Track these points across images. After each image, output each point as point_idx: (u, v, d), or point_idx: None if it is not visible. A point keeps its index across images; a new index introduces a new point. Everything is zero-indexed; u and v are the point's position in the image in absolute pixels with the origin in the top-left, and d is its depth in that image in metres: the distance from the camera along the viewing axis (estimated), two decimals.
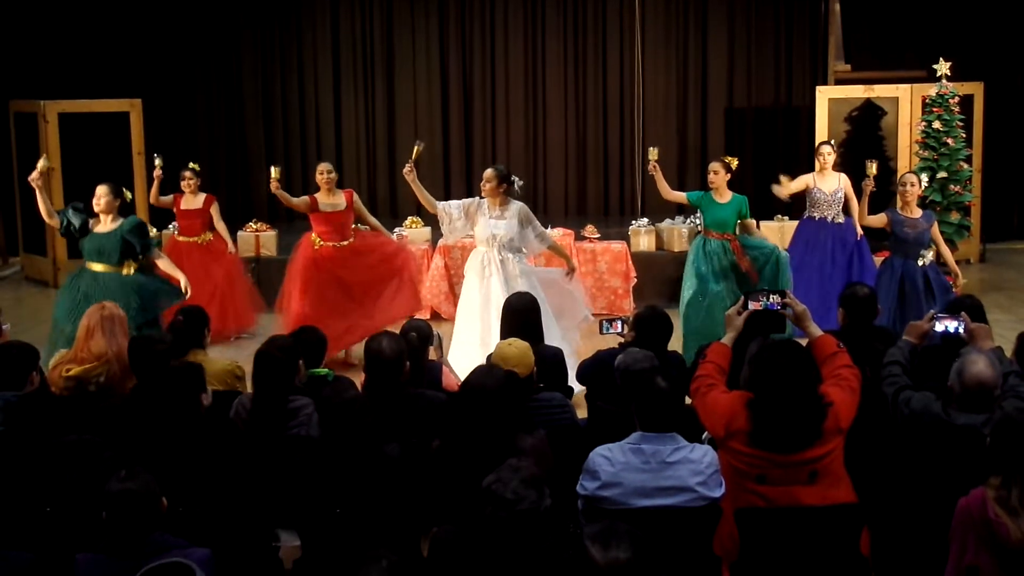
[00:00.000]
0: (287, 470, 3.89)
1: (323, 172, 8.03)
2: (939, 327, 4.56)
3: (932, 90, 10.72)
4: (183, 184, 8.92)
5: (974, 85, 11.45)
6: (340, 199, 8.03)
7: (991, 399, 3.97)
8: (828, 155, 8.53)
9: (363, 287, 8.01)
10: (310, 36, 13.14)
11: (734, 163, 7.67)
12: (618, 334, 5.37)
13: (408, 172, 7.02)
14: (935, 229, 7.56)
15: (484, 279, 6.89)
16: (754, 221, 7.75)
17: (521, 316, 5.41)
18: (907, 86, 11.23)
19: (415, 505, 3.75)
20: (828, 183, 8.51)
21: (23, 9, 12.21)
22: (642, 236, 10.27)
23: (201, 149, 12.75)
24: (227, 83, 13.17)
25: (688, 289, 7.57)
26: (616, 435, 3.82)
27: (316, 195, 8.02)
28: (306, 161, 13.08)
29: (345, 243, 8.04)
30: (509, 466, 3.08)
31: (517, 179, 7.09)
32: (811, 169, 8.75)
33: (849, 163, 9.94)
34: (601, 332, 5.42)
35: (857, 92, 11.34)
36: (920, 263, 7.41)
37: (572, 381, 5.68)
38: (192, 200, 8.95)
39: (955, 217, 10.52)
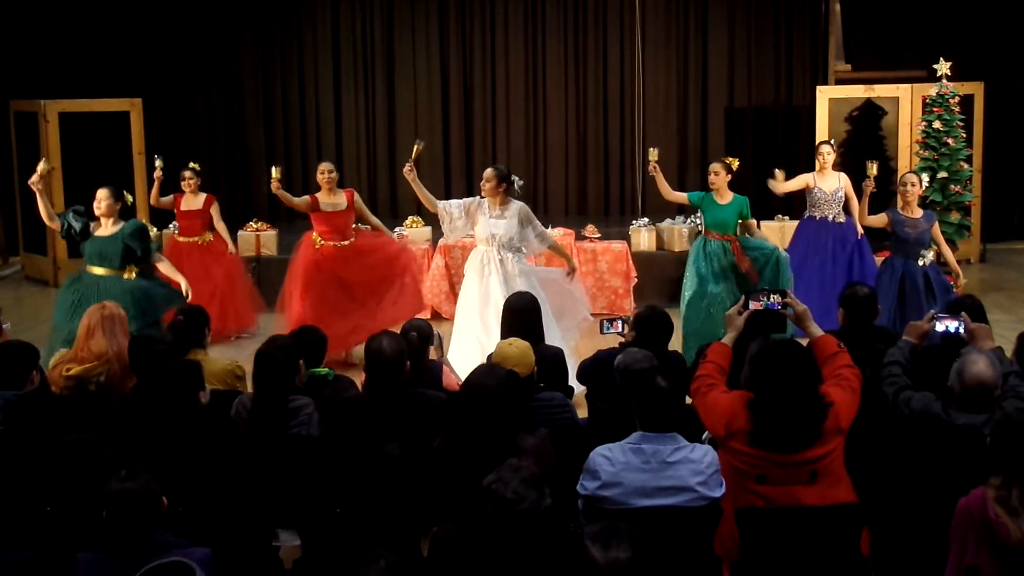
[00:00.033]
0: (287, 470, 3.89)
1: (324, 172, 8.04)
2: (939, 327, 4.56)
3: (932, 90, 10.72)
4: (183, 184, 8.92)
5: (974, 85, 11.45)
6: (341, 199, 8.03)
7: (991, 399, 3.97)
8: (828, 155, 8.53)
9: (364, 287, 8.01)
10: (310, 36, 13.14)
11: (735, 164, 7.66)
12: (618, 334, 5.37)
13: (408, 171, 7.02)
14: (936, 229, 7.56)
15: (483, 278, 6.90)
16: (755, 221, 7.75)
17: (521, 316, 5.41)
18: (907, 86, 11.23)
19: (415, 505, 3.75)
20: (828, 182, 8.51)
21: (23, 9, 12.21)
22: (643, 236, 10.27)
23: (201, 149, 12.76)
24: (227, 83, 13.17)
25: (688, 289, 7.58)
26: (616, 435, 3.82)
27: (317, 195, 8.02)
28: (306, 161, 13.09)
29: (346, 243, 8.04)
30: (509, 466, 3.09)
31: (517, 179, 7.09)
32: (811, 169, 8.74)
33: (849, 163, 9.93)
34: (601, 332, 5.42)
35: (857, 92, 11.34)
36: (920, 263, 7.41)
37: (572, 381, 5.68)
38: (192, 200, 8.94)
39: (955, 217, 10.52)
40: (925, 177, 8.51)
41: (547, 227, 9.89)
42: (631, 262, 9.89)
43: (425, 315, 8.64)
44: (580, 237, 10.06)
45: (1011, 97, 12.66)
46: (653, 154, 7.81)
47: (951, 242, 9.49)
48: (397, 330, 5.02)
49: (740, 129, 13.14)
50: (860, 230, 8.38)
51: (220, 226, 8.97)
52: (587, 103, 13.26)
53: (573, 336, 7.07)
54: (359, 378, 4.71)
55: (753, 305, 4.25)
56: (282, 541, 4.09)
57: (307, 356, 4.81)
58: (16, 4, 12.15)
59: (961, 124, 10.59)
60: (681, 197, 7.89)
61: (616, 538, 2.78)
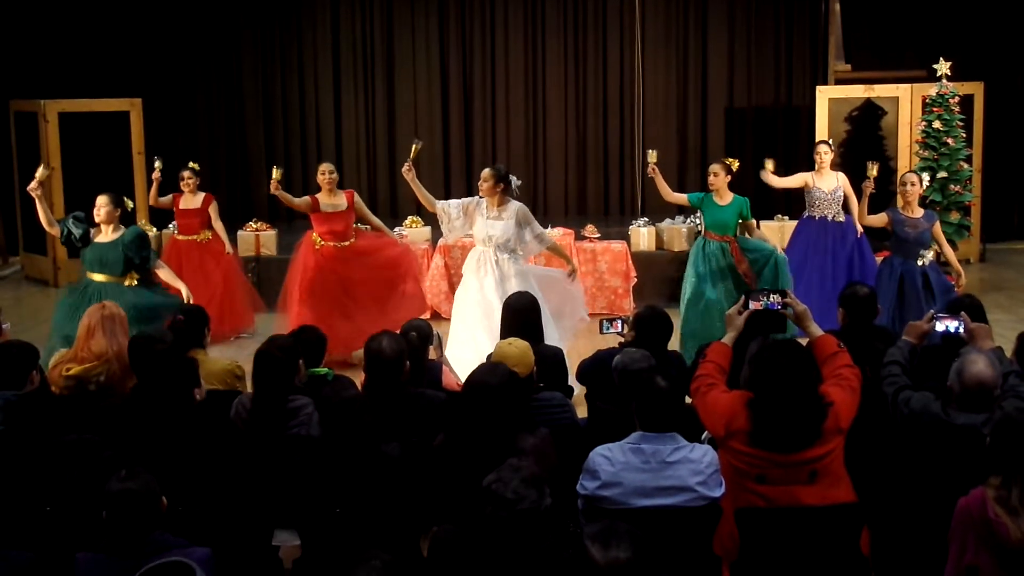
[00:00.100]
0: (287, 470, 3.89)
1: (324, 172, 8.04)
2: (939, 327, 4.56)
3: (932, 90, 10.72)
4: (182, 184, 8.92)
5: (974, 85, 11.45)
6: (341, 199, 8.03)
7: (991, 399, 3.97)
8: (825, 154, 8.53)
9: (365, 287, 8.01)
10: (310, 36, 13.14)
11: (735, 164, 7.67)
12: (618, 334, 5.37)
13: (407, 171, 7.02)
14: (937, 228, 7.56)
15: (479, 279, 6.91)
16: (755, 222, 7.76)
17: (521, 316, 5.41)
18: (907, 86, 11.23)
19: (415, 505, 3.75)
20: (827, 182, 8.52)
21: (23, 9, 12.21)
22: (642, 236, 10.28)
23: (201, 148, 12.76)
24: (227, 83, 13.17)
25: (687, 290, 7.60)
26: (616, 435, 3.82)
27: (317, 195, 8.02)
28: (306, 161, 13.09)
29: (346, 243, 8.04)
30: (510, 466, 3.09)
31: (515, 179, 7.08)
32: (811, 168, 8.74)
33: (849, 163, 9.94)
34: (601, 332, 5.42)
35: (857, 92, 11.34)
36: (920, 263, 7.41)
37: (571, 380, 5.68)
38: (191, 199, 8.95)
39: (955, 217, 10.52)
40: (925, 177, 8.50)
41: (547, 227, 9.94)
42: (631, 262, 9.89)
43: (425, 315, 8.64)
44: (580, 237, 10.06)
45: (1011, 97, 12.66)
46: (652, 156, 7.81)
47: (951, 242, 9.49)
48: (397, 330, 5.02)
49: (740, 129, 13.15)
50: (860, 229, 8.38)
51: (218, 225, 8.97)
52: (587, 103, 13.26)
53: (568, 337, 7.06)
54: (359, 378, 4.71)
55: (753, 305, 4.25)
56: (282, 541, 4.09)
57: (307, 356, 4.81)
58: (16, 4, 12.15)
59: (961, 124, 10.59)
60: (681, 198, 7.89)
61: (616, 538, 2.78)
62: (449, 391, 4.98)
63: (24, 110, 11.41)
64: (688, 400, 4.05)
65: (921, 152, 10.67)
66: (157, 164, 9.01)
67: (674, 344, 5.92)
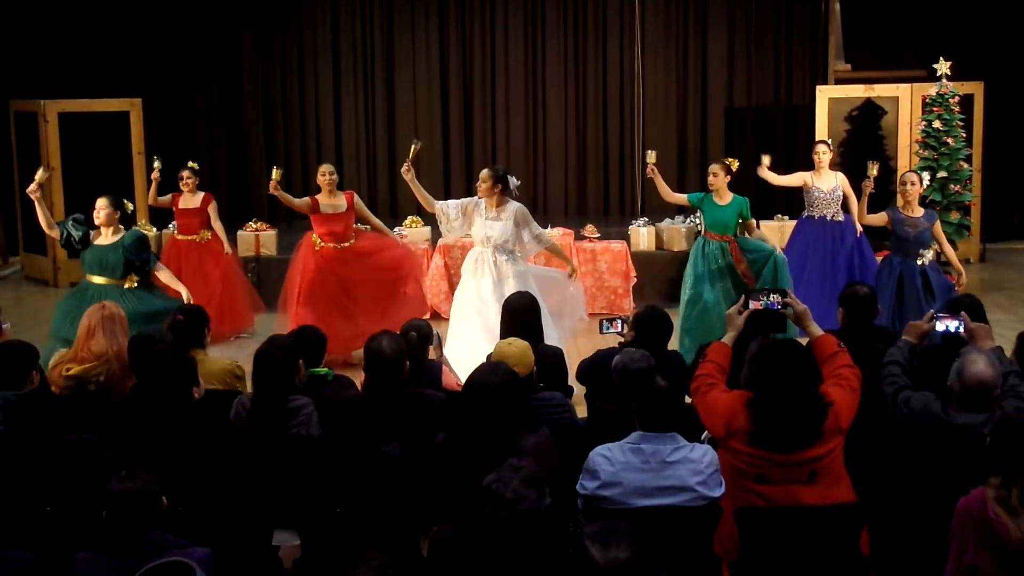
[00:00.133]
0: (287, 470, 3.89)
1: (325, 174, 8.03)
2: (940, 327, 4.56)
3: (932, 90, 10.73)
4: (181, 183, 8.92)
5: (974, 85, 11.45)
6: (341, 201, 8.02)
7: (991, 399, 3.97)
8: (824, 154, 8.53)
9: (365, 288, 8.00)
10: (310, 36, 13.14)
11: (734, 165, 7.67)
12: (618, 333, 5.37)
13: (406, 172, 7.03)
14: (937, 227, 7.56)
15: (477, 279, 6.92)
16: (755, 222, 7.76)
17: (521, 316, 5.41)
18: (907, 86, 11.23)
19: (415, 505, 3.75)
20: (826, 182, 8.52)
21: (23, 9, 12.21)
22: (642, 235, 10.28)
23: (201, 148, 12.76)
24: (227, 83, 13.17)
25: (686, 290, 7.63)
26: (616, 435, 3.82)
27: (317, 196, 8.02)
28: (306, 161, 13.10)
29: (346, 244, 8.04)
30: (510, 465, 3.08)
31: (513, 179, 7.06)
32: (810, 168, 8.74)
33: (850, 163, 9.94)
34: (601, 331, 5.41)
35: (857, 92, 11.34)
36: (919, 262, 7.41)
37: (571, 380, 5.68)
38: (190, 199, 8.94)
39: (955, 217, 10.53)
40: (926, 176, 8.50)
41: (546, 227, 9.94)
42: (630, 262, 9.89)
43: (425, 315, 8.64)
44: (579, 237, 10.06)
45: (1011, 97, 12.66)
46: (651, 156, 7.81)
47: (951, 242, 9.49)
48: (397, 331, 5.02)
49: (740, 129, 13.15)
50: (859, 229, 8.38)
51: (217, 225, 8.96)
52: (587, 103, 13.26)
53: (567, 337, 7.06)
54: (359, 378, 4.71)
55: (753, 305, 4.25)
56: (282, 541, 4.09)
57: (307, 356, 4.81)
58: (16, 4, 12.15)
59: (961, 124, 10.60)
60: (681, 198, 7.90)
61: (616, 538, 2.77)
62: (449, 391, 4.98)
63: (24, 110, 11.41)
64: (688, 400, 4.05)
65: (921, 152, 10.68)
66: (156, 164, 9.01)
67: (673, 343, 5.92)
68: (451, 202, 7.11)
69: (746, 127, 13.12)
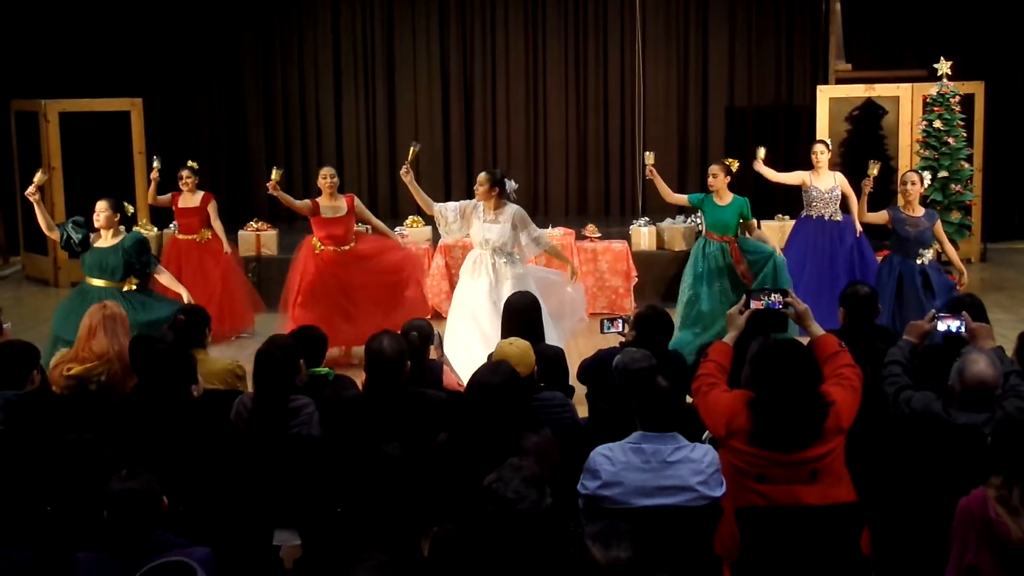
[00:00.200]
0: (288, 469, 3.89)
1: (326, 177, 8.02)
2: (941, 326, 4.56)
3: (933, 89, 10.73)
4: (181, 183, 8.91)
5: (975, 84, 11.45)
6: (341, 204, 8.01)
7: (992, 398, 3.97)
8: (822, 153, 8.53)
9: (366, 291, 7.98)
10: (311, 35, 13.14)
11: (734, 165, 7.68)
12: (619, 333, 5.37)
13: (405, 174, 7.04)
14: (938, 227, 7.57)
15: (474, 281, 6.94)
16: (755, 222, 7.77)
17: (522, 315, 5.41)
18: (908, 85, 11.23)
19: (415, 504, 3.75)
20: (824, 181, 8.53)
21: (24, 9, 12.21)
22: (643, 235, 10.28)
23: (202, 148, 12.77)
24: (228, 82, 13.17)
25: (684, 291, 7.66)
26: (617, 434, 3.82)
27: (318, 199, 8.02)
28: (306, 160, 13.10)
29: (346, 247, 8.03)
30: (510, 465, 3.08)
31: (511, 183, 7.06)
32: (810, 168, 8.74)
33: (850, 162, 9.93)
34: (602, 331, 5.41)
35: (858, 91, 11.34)
36: (919, 262, 7.41)
37: (572, 380, 5.68)
38: (190, 198, 8.94)
39: (956, 216, 10.53)
40: (926, 176, 8.51)
41: (547, 227, 9.96)
42: (631, 262, 9.89)
43: (426, 317, 8.63)
44: (580, 237, 10.06)
45: (1012, 96, 12.65)
46: (649, 157, 7.81)
47: (952, 242, 9.48)
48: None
49: (740, 129, 13.14)
50: (859, 228, 8.38)
51: (217, 225, 8.95)
52: (587, 103, 13.26)
53: (566, 338, 7.07)
54: (359, 377, 4.71)
55: (754, 304, 4.25)
56: (282, 540, 4.09)
57: (307, 356, 4.81)
58: (16, 4, 12.15)
59: (962, 123, 10.60)
60: (681, 199, 7.92)
61: (616, 537, 2.77)
62: (450, 391, 4.99)
63: (25, 110, 11.41)
64: (689, 399, 4.05)
65: (922, 151, 10.68)
66: (156, 164, 9.00)
67: None
68: (449, 204, 7.12)
69: (747, 127, 13.11)
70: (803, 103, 12.80)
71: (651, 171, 7.71)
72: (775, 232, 9.83)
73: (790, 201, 11.21)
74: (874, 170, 7.81)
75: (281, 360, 4.46)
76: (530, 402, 4.44)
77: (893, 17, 12.78)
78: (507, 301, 5.68)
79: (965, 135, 10.63)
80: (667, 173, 8.19)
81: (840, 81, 11.80)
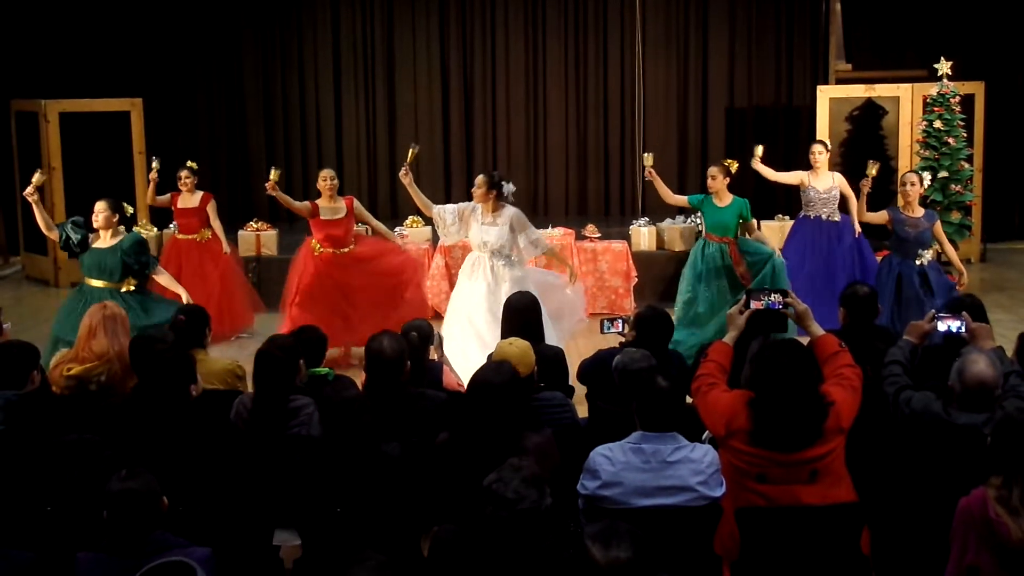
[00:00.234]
0: (288, 469, 3.89)
1: (326, 179, 8.01)
2: (941, 327, 4.56)
3: (933, 89, 10.73)
4: (180, 183, 8.91)
5: (975, 84, 11.45)
6: (341, 206, 8.01)
7: (992, 399, 3.97)
8: (820, 154, 8.54)
9: (365, 293, 7.97)
10: (311, 35, 13.14)
11: (733, 166, 7.69)
12: (619, 333, 5.37)
13: (404, 175, 7.04)
14: (938, 227, 7.57)
15: (471, 284, 6.94)
16: (755, 223, 7.77)
17: (522, 315, 5.41)
18: (908, 85, 11.23)
19: (415, 504, 3.75)
20: (822, 182, 8.53)
21: (24, 8, 12.21)
22: (643, 235, 10.28)
23: (202, 148, 12.77)
24: (228, 82, 13.17)
25: (683, 291, 7.68)
26: (617, 434, 3.82)
27: (317, 201, 8.01)
28: (306, 160, 13.10)
29: (345, 250, 8.02)
30: (510, 465, 3.08)
31: (508, 185, 7.05)
32: (810, 168, 8.74)
33: (850, 163, 9.93)
34: (602, 331, 5.41)
35: (858, 91, 11.34)
36: (918, 263, 7.42)
37: (572, 380, 5.68)
38: (189, 199, 8.93)
39: (956, 217, 10.53)
40: (926, 176, 8.51)
41: (547, 227, 9.96)
42: (631, 262, 9.89)
43: (426, 316, 8.63)
44: (580, 237, 10.06)
45: (1012, 97, 12.65)
46: (648, 159, 7.82)
47: (952, 242, 9.48)
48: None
49: (740, 129, 13.14)
50: (858, 228, 8.38)
51: (216, 225, 8.94)
52: (587, 103, 13.26)
53: (565, 339, 7.07)
54: (359, 378, 4.71)
55: (754, 304, 4.25)
56: (282, 541, 4.09)
57: (308, 356, 4.81)
58: (16, 4, 12.15)
59: (962, 124, 10.60)
60: (681, 200, 7.94)
61: (616, 538, 2.77)
62: (450, 391, 4.99)
63: (25, 110, 11.41)
64: (689, 399, 4.05)
65: (922, 152, 10.67)
66: (155, 164, 8.99)
67: None
68: (448, 207, 7.13)
69: (746, 127, 13.11)
70: (803, 103, 12.80)
71: (650, 172, 7.72)
72: (775, 232, 9.83)
73: (790, 201, 11.20)
74: (872, 170, 7.81)
75: (281, 360, 4.46)
76: (531, 402, 4.44)
77: (893, 17, 12.78)
78: (507, 301, 5.68)
79: (965, 135, 10.63)
80: (667, 173, 8.19)
81: (840, 81, 11.79)
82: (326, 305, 7.83)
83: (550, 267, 8.01)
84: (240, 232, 10.28)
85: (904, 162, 10.94)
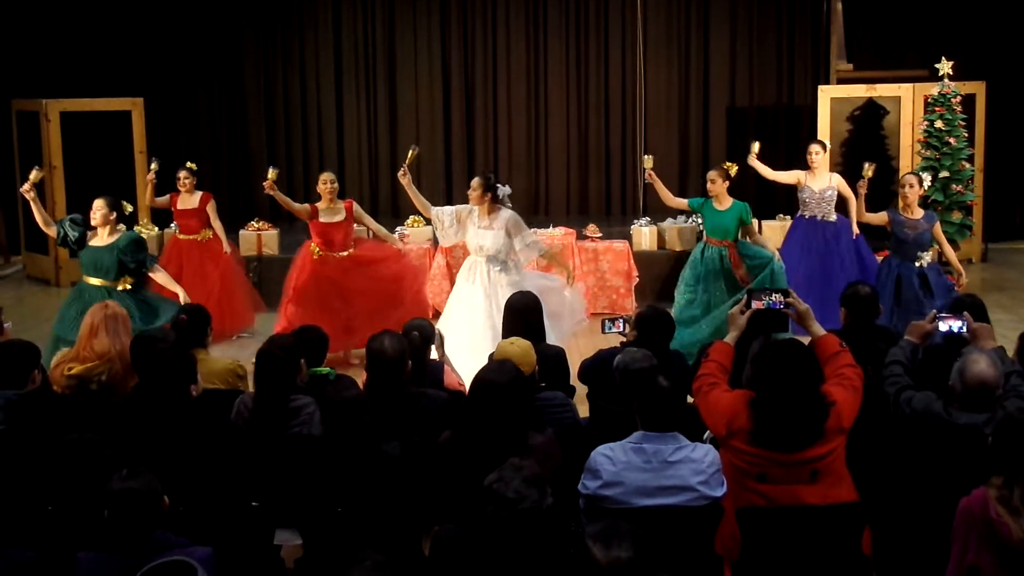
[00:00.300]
0: (289, 469, 3.89)
1: (326, 182, 8.00)
2: (942, 327, 4.56)
3: (934, 89, 10.72)
4: (179, 184, 8.90)
5: (976, 84, 11.44)
6: (340, 209, 8.00)
7: (993, 399, 3.97)
8: (816, 154, 8.55)
9: (365, 297, 7.96)
10: (312, 35, 13.14)
11: (733, 170, 7.70)
12: (620, 333, 5.37)
13: (402, 176, 7.05)
14: (937, 229, 7.57)
15: (468, 287, 6.95)
16: (755, 226, 7.79)
17: (523, 315, 5.42)
18: (909, 85, 11.22)
19: (416, 504, 3.75)
20: (818, 182, 8.54)
21: (25, 8, 12.21)
22: (644, 235, 10.27)
23: (203, 148, 12.78)
24: (229, 82, 13.17)
25: (682, 292, 7.69)
26: (618, 434, 3.82)
27: (317, 204, 8.01)
28: (307, 160, 13.09)
29: (345, 253, 8.02)
30: (511, 465, 3.08)
31: (503, 188, 7.05)
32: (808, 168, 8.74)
33: (851, 163, 9.92)
34: (603, 331, 5.41)
35: (859, 91, 11.33)
36: (917, 265, 7.42)
37: (573, 380, 5.68)
38: (188, 199, 8.92)
39: (957, 216, 10.52)
40: (927, 177, 8.50)
41: (548, 227, 9.96)
42: (632, 262, 9.89)
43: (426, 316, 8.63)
44: (581, 237, 10.06)
45: (1013, 96, 12.64)
46: (647, 161, 7.83)
47: (952, 242, 9.49)
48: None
49: (742, 129, 13.11)
50: (856, 230, 8.38)
51: (216, 225, 8.93)
52: (588, 103, 13.25)
53: (565, 340, 7.07)
54: (360, 377, 4.71)
55: (755, 304, 4.25)
56: (283, 540, 4.09)
57: (309, 355, 4.81)
58: (17, 4, 12.15)
59: (963, 123, 10.59)
60: (681, 203, 7.96)
61: (617, 537, 2.77)
62: (451, 391, 4.99)
63: (26, 109, 11.41)
64: (690, 399, 4.05)
65: (923, 152, 10.67)
66: (153, 166, 8.96)
67: None
68: (446, 208, 7.14)
69: (748, 127, 13.08)
70: (804, 103, 12.79)
71: (650, 175, 7.73)
72: (776, 232, 9.83)
73: (790, 201, 11.19)
74: (868, 172, 7.82)
75: (282, 360, 4.46)
76: (533, 402, 4.43)
77: (894, 17, 12.78)
78: (508, 301, 5.69)
79: (966, 135, 10.63)
80: (668, 173, 8.19)
81: (841, 81, 11.79)
82: (322, 305, 7.82)
83: (549, 269, 8.01)
84: (241, 231, 10.28)
85: (905, 162, 10.93)
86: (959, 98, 10.66)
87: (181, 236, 9.01)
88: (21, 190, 7.06)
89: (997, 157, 12.19)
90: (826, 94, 11.30)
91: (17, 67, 12.13)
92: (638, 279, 9.86)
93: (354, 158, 13.26)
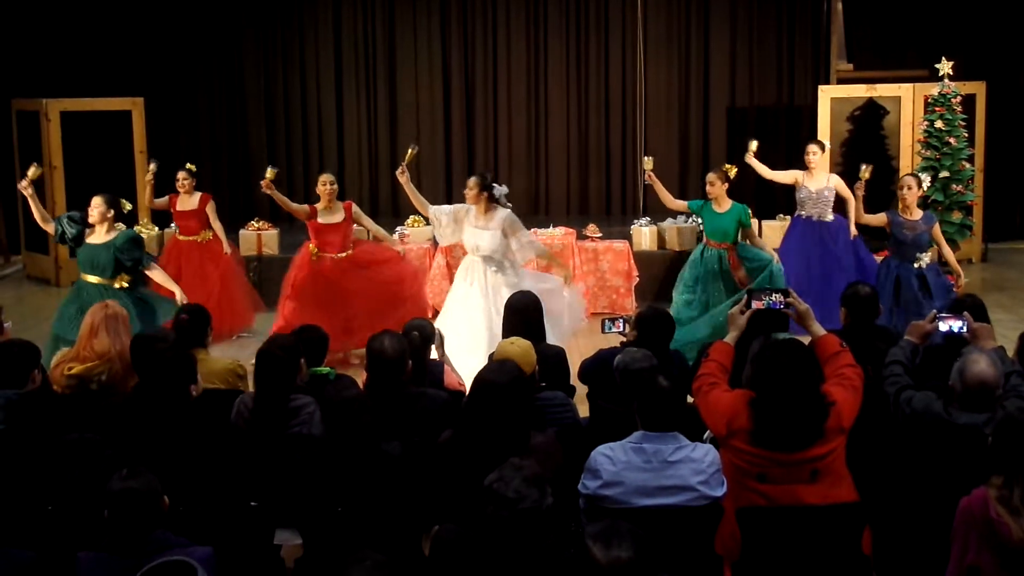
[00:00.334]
0: (289, 469, 3.89)
1: (325, 183, 7.99)
2: (942, 327, 4.56)
3: (934, 89, 10.72)
4: (178, 185, 8.89)
5: (976, 84, 11.44)
6: (339, 210, 8.00)
7: (993, 398, 3.97)
8: (814, 154, 8.56)
9: (363, 299, 7.95)
10: (312, 35, 13.14)
11: (732, 171, 7.70)
12: (620, 333, 5.37)
13: (401, 175, 7.04)
14: (936, 230, 7.58)
15: (466, 287, 6.95)
16: (755, 229, 7.79)
17: (523, 315, 5.42)
18: (909, 85, 11.22)
19: (417, 504, 3.75)
20: (816, 182, 8.55)
21: (25, 8, 12.21)
22: (644, 235, 10.28)
23: (203, 148, 12.79)
24: (229, 82, 13.17)
25: (682, 293, 7.67)
26: (618, 434, 3.82)
27: (316, 205, 8.01)
28: (307, 160, 13.09)
29: (343, 254, 8.02)
30: (511, 465, 3.08)
31: (499, 187, 7.04)
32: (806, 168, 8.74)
33: (852, 163, 9.91)
34: (603, 331, 5.41)
35: (859, 91, 11.33)
36: (916, 266, 7.42)
37: (573, 380, 5.68)
38: (187, 200, 8.91)
39: (957, 217, 10.52)
40: (926, 177, 8.50)
41: (548, 226, 9.96)
42: (632, 261, 9.89)
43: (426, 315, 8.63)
44: (581, 236, 10.06)
45: (1013, 96, 12.64)
46: (647, 162, 7.82)
47: (952, 242, 9.49)
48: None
49: (742, 129, 13.09)
50: (854, 231, 8.38)
51: (216, 225, 8.92)
52: (589, 103, 13.26)
53: (564, 341, 7.07)
54: (360, 377, 4.71)
55: (755, 304, 4.25)
56: (283, 540, 4.09)
57: (309, 355, 4.81)
58: (17, 4, 12.15)
59: (963, 123, 10.59)
60: (681, 205, 7.97)
61: (617, 537, 2.77)
62: (451, 390, 4.99)
63: (26, 109, 11.41)
64: (690, 399, 4.05)
65: (923, 152, 10.67)
66: (151, 167, 8.95)
67: None
68: (444, 207, 7.13)
69: (748, 127, 13.06)
70: (804, 103, 12.79)
71: (650, 176, 7.73)
72: (776, 232, 9.83)
73: (790, 201, 11.18)
74: (866, 173, 7.83)
75: (282, 359, 4.46)
76: (533, 402, 4.43)
77: (895, 17, 12.78)
78: (508, 301, 5.68)
79: (966, 135, 10.63)
80: (668, 173, 8.19)
81: (841, 81, 11.79)
82: (319, 304, 7.81)
83: (548, 270, 8.01)
84: (241, 231, 10.28)
85: (905, 162, 10.93)
86: (959, 98, 10.66)
87: (181, 237, 9.01)
88: (19, 186, 7.06)
89: (997, 157, 12.19)
90: (826, 94, 11.30)
91: (17, 67, 12.14)
92: (638, 279, 9.86)
93: (354, 158, 13.26)
